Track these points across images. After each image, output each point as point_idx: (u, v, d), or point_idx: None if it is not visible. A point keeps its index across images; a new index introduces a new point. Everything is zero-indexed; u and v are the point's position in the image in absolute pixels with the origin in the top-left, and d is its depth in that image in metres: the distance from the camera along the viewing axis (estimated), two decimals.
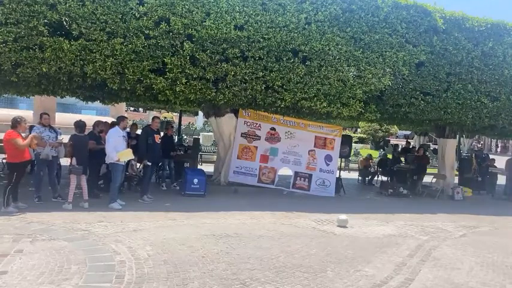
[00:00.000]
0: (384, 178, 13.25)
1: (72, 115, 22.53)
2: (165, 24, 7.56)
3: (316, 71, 8.72)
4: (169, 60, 7.66)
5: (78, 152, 7.04)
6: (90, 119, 10.43)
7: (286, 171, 10.63)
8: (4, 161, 6.95)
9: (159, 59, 7.66)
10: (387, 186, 11.78)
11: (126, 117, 8.03)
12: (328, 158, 10.47)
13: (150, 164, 7.94)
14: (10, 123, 6.53)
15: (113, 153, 7.20)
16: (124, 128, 7.75)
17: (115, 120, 8.41)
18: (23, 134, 6.59)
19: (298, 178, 10.30)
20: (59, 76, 7.32)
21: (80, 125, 7.24)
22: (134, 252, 4.93)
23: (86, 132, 7.68)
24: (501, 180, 13.52)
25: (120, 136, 7.43)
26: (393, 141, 25.16)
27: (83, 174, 7.08)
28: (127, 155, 7.39)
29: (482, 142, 40.07)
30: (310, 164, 10.34)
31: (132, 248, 5.08)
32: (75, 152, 7.05)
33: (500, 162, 15.04)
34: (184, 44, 7.71)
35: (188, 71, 7.81)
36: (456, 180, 13.68)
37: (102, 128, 8.34)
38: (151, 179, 8.30)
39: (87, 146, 7.29)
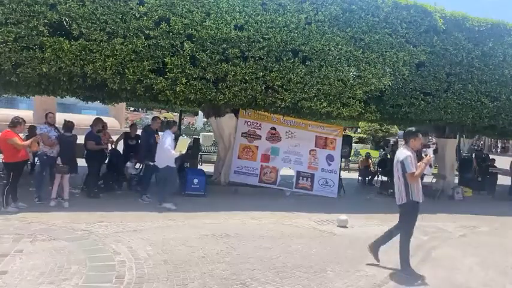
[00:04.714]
0: (384, 178, 13.23)
1: (73, 115, 22.52)
2: (165, 24, 7.55)
3: (316, 71, 8.72)
4: (170, 60, 7.65)
5: (64, 151, 7.10)
6: (90, 119, 10.40)
7: (288, 171, 10.61)
8: (2, 160, 6.95)
9: (159, 59, 7.65)
10: (387, 186, 11.75)
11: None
12: (330, 158, 10.45)
13: (152, 163, 7.97)
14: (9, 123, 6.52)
15: (171, 152, 7.45)
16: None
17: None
18: (20, 135, 6.58)
19: (301, 178, 10.25)
20: (59, 76, 7.30)
21: (66, 125, 7.40)
22: (134, 252, 4.94)
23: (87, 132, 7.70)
24: (501, 180, 13.51)
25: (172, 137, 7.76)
26: (393, 141, 25.12)
27: (65, 174, 7.08)
28: (183, 145, 7.63)
29: (482, 142, 40.04)
30: (311, 164, 10.32)
31: (132, 248, 5.08)
32: (60, 151, 7.11)
33: (500, 162, 15.04)
34: (185, 44, 7.70)
35: (188, 71, 7.80)
36: (456, 180, 13.66)
37: (100, 128, 8.36)
38: (151, 179, 8.31)
39: (74, 146, 7.36)
